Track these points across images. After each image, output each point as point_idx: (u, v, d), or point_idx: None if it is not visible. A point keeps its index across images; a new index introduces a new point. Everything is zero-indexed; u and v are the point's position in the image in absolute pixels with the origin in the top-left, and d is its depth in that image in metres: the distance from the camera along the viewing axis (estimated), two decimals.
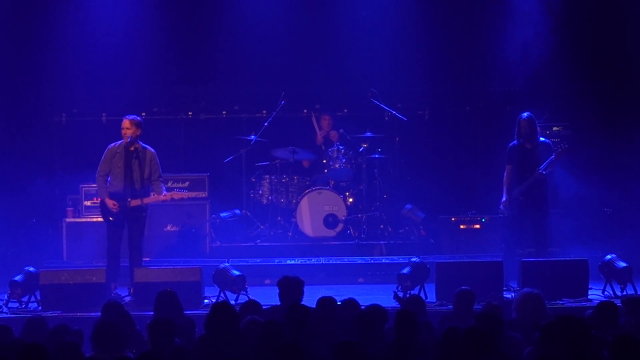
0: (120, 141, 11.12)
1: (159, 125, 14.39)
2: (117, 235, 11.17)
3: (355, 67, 14.17)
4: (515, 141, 11.41)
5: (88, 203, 13.04)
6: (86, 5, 13.69)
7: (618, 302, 8.46)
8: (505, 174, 11.48)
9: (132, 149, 11.04)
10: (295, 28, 14.08)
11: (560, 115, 13.84)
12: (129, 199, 11.01)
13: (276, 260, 12.86)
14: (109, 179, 11.08)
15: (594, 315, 7.62)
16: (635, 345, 6.13)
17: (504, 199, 11.43)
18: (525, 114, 11.36)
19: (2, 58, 13.74)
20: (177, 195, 11.41)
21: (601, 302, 7.97)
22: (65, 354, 6.58)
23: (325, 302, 7.81)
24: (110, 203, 11.03)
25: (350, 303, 8.03)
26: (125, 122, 11.05)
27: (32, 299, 10.88)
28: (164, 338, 6.85)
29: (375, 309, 7.51)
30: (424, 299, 10.42)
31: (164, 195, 11.18)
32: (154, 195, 11.17)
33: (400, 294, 10.69)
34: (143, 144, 11.13)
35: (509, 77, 14.08)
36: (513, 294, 10.23)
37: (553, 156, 11.30)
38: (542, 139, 11.47)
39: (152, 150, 11.16)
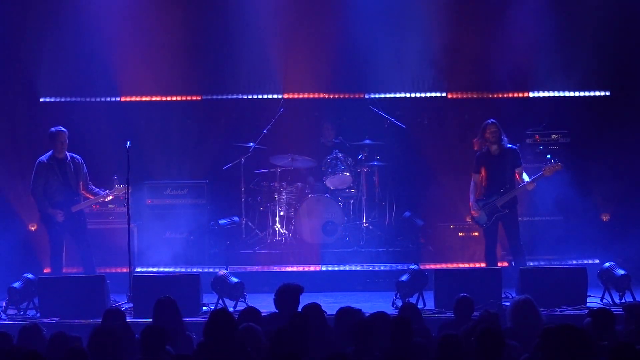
0: (49, 153, 11.56)
1: (158, 132, 14.38)
2: (61, 244, 11.61)
3: (354, 75, 14.19)
4: (482, 149, 11.53)
5: (86, 210, 13.05)
6: (82, 15, 13.66)
7: (616, 310, 8.49)
8: (472, 183, 11.63)
9: (63, 158, 11.50)
10: (294, 36, 14.07)
11: (558, 123, 13.85)
12: (71, 207, 11.47)
13: (275, 268, 12.88)
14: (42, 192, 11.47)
15: (591, 322, 7.63)
16: (634, 354, 6.13)
17: (475, 208, 11.54)
18: (491, 120, 11.50)
19: (5, 66, 13.77)
20: (119, 190, 11.72)
21: (598, 309, 7.98)
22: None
23: (310, 309, 7.78)
24: (56, 213, 11.40)
25: (347, 311, 7.99)
26: (66, 135, 11.51)
27: (31, 305, 10.88)
28: (154, 345, 6.84)
29: (378, 316, 7.53)
30: (422, 306, 10.45)
31: (106, 193, 11.65)
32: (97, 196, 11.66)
33: (399, 302, 10.72)
34: (69, 153, 11.60)
35: (507, 85, 14.10)
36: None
37: (541, 172, 11.38)
38: (509, 145, 11.55)
39: (79, 156, 11.67)
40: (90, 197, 11.66)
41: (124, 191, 11.67)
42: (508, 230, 11.55)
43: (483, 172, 11.55)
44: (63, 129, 11.57)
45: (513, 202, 11.50)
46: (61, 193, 11.48)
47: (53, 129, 11.58)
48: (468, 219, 13.65)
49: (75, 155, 11.65)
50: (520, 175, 11.51)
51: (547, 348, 6.39)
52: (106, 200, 11.82)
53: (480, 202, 11.52)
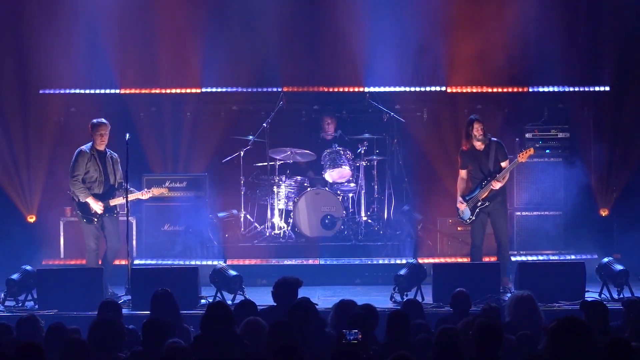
0: (90, 144, 11.34)
1: (158, 125, 14.37)
2: (100, 236, 11.31)
3: (354, 68, 14.18)
4: (467, 145, 11.44)
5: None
6: (82, 6, 13.65)
7: (614, 305, 8.49)
8: (459, 178, 11.55)
9: (104, 151, 11.32)
10: (293, 29, 14.07)
11: (557, 118, 13.84)
12: (109, 200, 11.27)
13: (273, 261, 12.88)
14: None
15: (584, 316, 7.62)
16: (629, 349, 6.13)
17: (460, 202, 11.46)
18: (475, 116, 11.46)
19: (4, 58, 13.76)
20: (157, 191, 11.56)
21: (591, 302, 7.99)
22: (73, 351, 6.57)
23: (301, 303, 7.78)
24: (97, 204, 11.17)
25: (346, 304, 7.99)
26: (107, 128, 11.29)
27: (29, 297, 10.89)
28: (156, 338, 6.84)
29: (372, 309, 7.53)
30: (420, 300, 10.45)
31: (145, 190, 11.55)
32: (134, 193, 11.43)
33: (397, 296, 10.73)
34: (107, 149, 11.45)
35: (506, 80, 14.08)
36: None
37: (515, 159, 11.40)
38: (493, 138, 11.49)
39: (116, 154, 11.50)
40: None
41: (163, 192, 11.69)
42: (494, 223, 11.42)
43: (470, 169, 11.49)
44: (104, 121, 11.35)
45: (496, 195, 11.35)
46: (100, 186, 11.26)
47: (94, 120, 11.37)
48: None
49: (113, 152, 11.45)
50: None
51: (554, 341, 6.34)
52: (143, 198, 11.52)
53: (465, 197, 11.46)
